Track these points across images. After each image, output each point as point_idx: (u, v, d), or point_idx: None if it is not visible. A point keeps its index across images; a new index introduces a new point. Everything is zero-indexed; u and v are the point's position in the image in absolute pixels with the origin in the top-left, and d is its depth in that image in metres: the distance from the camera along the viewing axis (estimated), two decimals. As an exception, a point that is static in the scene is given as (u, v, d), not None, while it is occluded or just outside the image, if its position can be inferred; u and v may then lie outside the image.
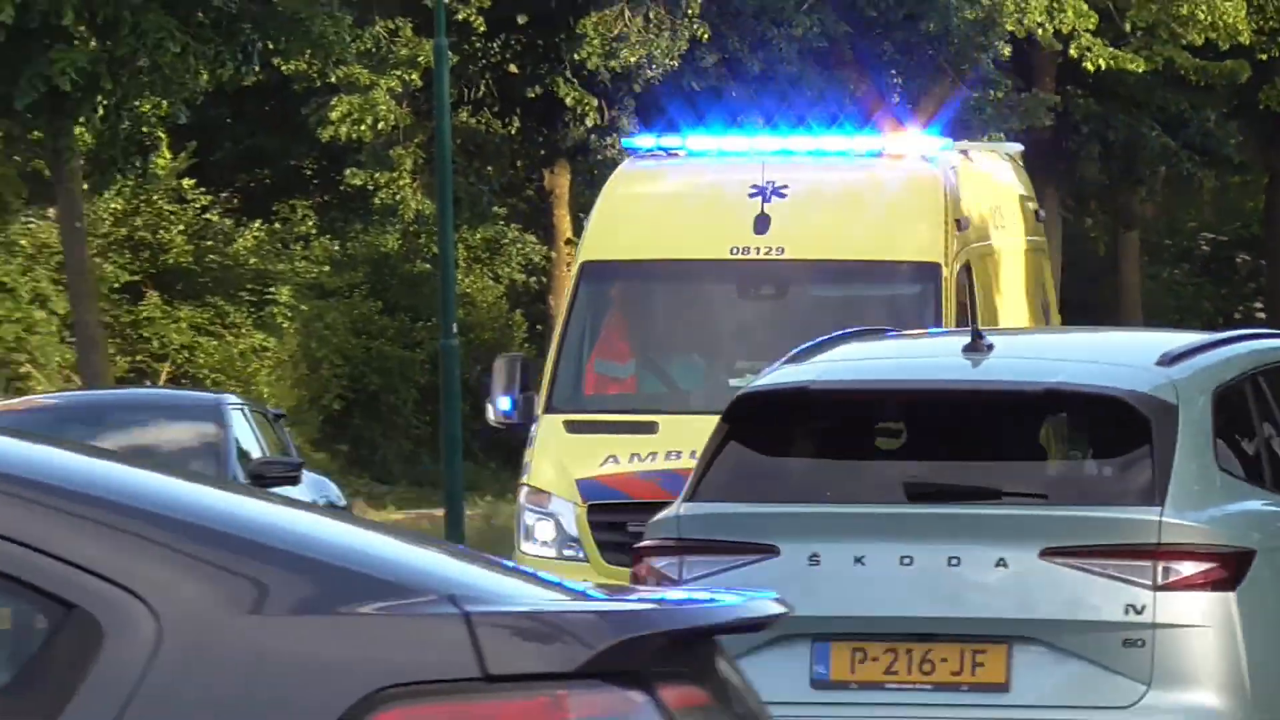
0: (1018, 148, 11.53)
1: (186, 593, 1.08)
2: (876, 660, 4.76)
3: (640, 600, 1.50)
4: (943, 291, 7.58)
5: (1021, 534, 4.81)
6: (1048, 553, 4.66)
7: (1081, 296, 25.53)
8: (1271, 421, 5.24)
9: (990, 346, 5.26)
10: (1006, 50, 23.05)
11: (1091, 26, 22.83)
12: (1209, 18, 22.80)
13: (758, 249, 7.40)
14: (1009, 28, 22.25)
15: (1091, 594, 4.73)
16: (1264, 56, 24.82)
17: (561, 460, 7.21)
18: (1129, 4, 23.93)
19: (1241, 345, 5.75)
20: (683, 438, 6.62)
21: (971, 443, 5.30)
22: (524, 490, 7.34)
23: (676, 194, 8.06)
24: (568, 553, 6.83)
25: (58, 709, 1.05)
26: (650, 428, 7.09)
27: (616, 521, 6.67)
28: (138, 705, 1.04)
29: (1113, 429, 5.16)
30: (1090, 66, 23.64)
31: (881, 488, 5.05)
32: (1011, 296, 8.76)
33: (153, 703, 1.05)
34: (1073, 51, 23.66)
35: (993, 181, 9.55)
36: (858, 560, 4.81)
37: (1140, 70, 23.78)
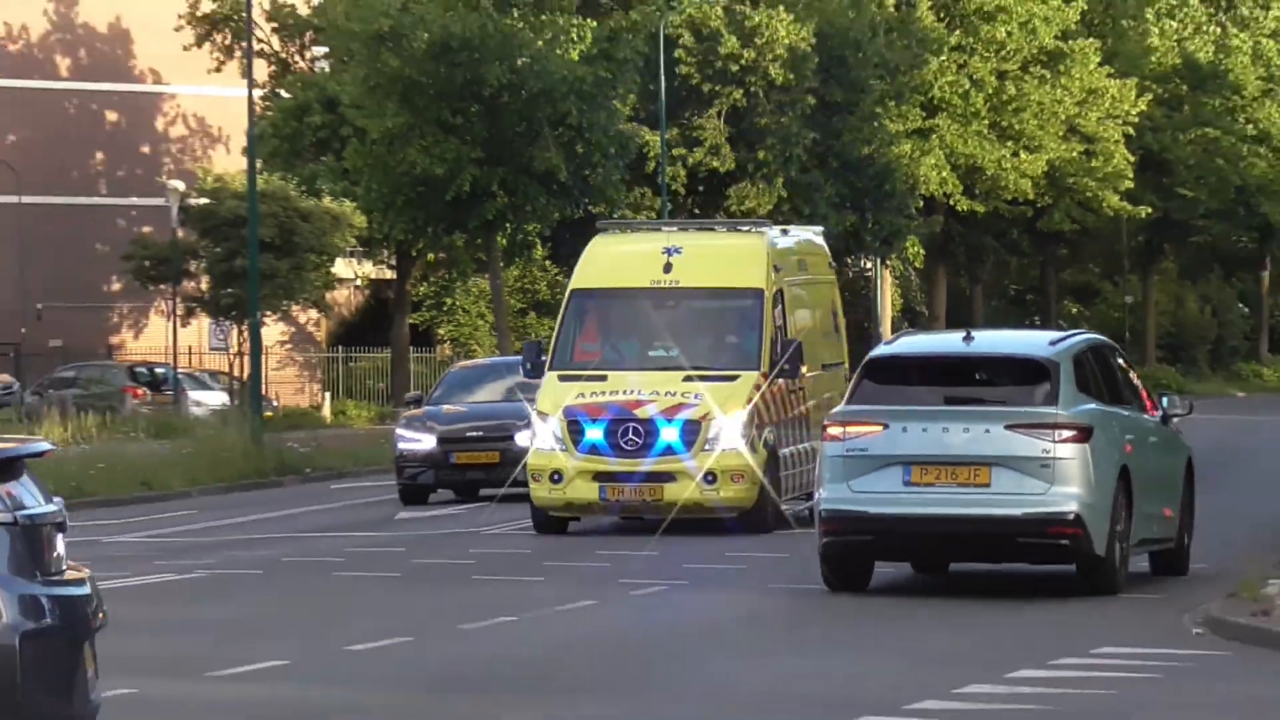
0: (819, 229, 17.85)
1: None
2: (932, 473, 10.07)
3: None
4: (764, 305, 11.82)
5: (996, 419, 10.51)
6: (1009, 427, 10.07)
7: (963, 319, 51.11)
8: (1095, 370, 10.86)
9: (973, 338, 11.19)
10: (919, 204, 48.46)
11: (958, 190, 49.51)
12: (1014, 190, 51.62)
13: (664, 281, 11.86)
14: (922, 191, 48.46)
15: (1027, 444, 10.00)
16: (1042, 205, 54.54)
17: (554, 396, 11.21)
18: (975, 180, 51.15)
19: (1080, 337, 12.32)
20: (620, 384, 11.14)
21: (970, 379, 11.14)
22: (534, 414, 11.38)
23: (623, 252, 12.79)
24: (558, 447, 10.81)
25: None
26: (602, 378, 11.23)
27: (589, 430, 10.79)
28: None
29: (1033, 374, 10.58)
30: (961, 208, 51.44)
31: (933, 398, 10.78)
32: (804, 310, 13.13)
33: None
34: (951, 201, 50.93)
35: (801, 245, 14.45)
36: (923, 430, 10.31)
37: (980, 210, 52.14)
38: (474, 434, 17.20)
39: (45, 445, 3.11)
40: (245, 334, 35.95)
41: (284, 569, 11.15)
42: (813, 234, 15.74)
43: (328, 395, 45.60)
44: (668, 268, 11.83)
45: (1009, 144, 51.56)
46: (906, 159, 47.54)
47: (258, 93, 36.83)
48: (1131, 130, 54.24)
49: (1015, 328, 44.44)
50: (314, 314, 48.85)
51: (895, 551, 10.42)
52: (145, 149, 53.05)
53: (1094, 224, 56.74)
